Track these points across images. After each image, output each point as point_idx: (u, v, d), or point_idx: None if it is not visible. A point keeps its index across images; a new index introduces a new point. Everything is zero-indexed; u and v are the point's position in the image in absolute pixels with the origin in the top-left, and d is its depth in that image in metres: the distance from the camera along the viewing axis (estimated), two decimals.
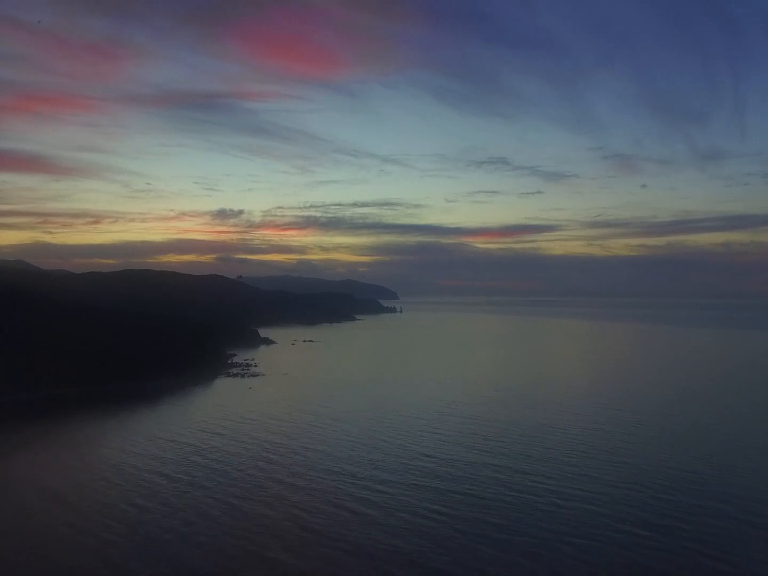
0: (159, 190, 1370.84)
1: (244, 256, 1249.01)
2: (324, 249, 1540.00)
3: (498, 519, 65.85)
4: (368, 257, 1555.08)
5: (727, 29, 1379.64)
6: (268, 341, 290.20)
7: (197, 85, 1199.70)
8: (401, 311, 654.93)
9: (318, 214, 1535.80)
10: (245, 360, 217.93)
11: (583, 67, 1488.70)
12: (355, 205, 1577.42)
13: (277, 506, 70.09)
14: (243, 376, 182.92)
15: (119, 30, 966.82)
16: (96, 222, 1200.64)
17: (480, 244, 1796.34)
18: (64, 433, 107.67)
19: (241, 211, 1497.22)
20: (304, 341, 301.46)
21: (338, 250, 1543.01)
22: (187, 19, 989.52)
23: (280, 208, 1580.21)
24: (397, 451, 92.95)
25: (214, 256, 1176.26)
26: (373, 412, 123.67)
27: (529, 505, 69.93)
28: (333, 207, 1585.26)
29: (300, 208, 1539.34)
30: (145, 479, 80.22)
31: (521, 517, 66.31)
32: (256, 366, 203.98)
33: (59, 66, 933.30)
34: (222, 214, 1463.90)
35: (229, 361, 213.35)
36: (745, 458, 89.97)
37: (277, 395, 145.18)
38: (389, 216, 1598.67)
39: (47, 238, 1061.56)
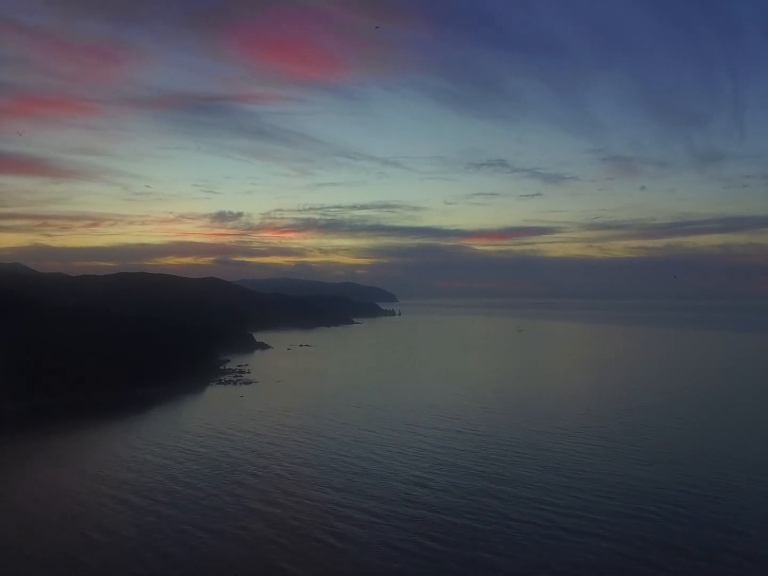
0: (158, 192, 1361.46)
1: (242, 259, 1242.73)
2: (323, 251, 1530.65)
3: (494, 557, 59.91)
4: (367, 259, 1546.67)
5: (726, 32, 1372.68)
6: (263, 346, 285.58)
7: (197, 88, 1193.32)
8: (400, 314, 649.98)
9: (317, 217, 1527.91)
10: (239, 366, 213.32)
11: (582, 69, 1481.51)
12: (354, 207, 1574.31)
13: (247, 540, 63.68)
14: (235, 383, 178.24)
15: (119, 32, 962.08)
16: (95, 225, 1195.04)
17: (479, 246, 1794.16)
18: (26, 452, 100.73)
19: (240, 214, 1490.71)
20: (300, 346, 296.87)
21: (337, 253, 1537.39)
22: (188, 22, 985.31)
23: (279, 210, 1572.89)
24: (388, 474, 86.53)
25: (212, 258, 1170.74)
26: (365, 425, 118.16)
27: (529, 539, 63.98)
28: (332, 209, 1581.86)
29: (299, 210, 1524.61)
30: (104, 506, 73.27)
31: (520, 554, 60.35)
32: (249, 372, 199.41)
33: (59, 68, 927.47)
34: (221, 217, 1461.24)
35: (222, 367, 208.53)
36: (755, 479, 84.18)
37: (267, 406, 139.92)
38: (388, 218, 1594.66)
39: (46, 241, 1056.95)
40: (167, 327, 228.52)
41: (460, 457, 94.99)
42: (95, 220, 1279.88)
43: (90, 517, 70.22)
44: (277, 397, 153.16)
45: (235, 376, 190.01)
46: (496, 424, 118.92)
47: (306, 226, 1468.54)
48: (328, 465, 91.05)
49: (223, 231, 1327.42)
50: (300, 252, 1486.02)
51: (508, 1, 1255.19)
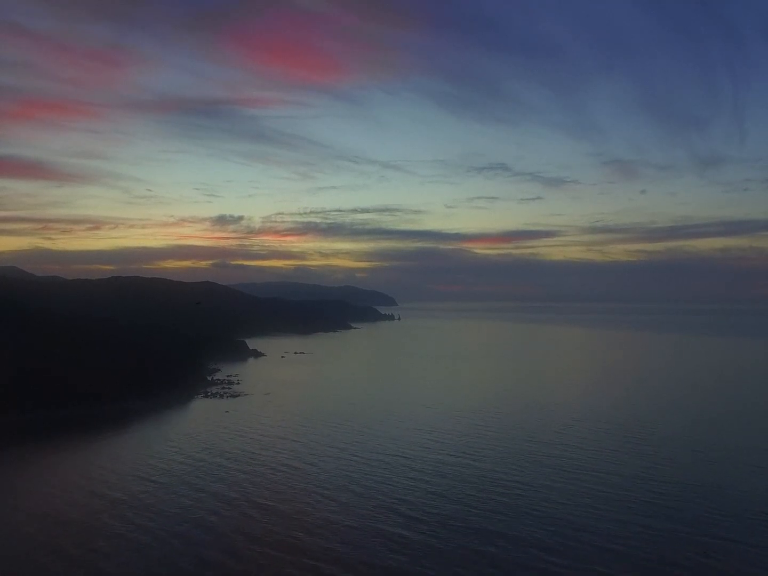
0: (159, 196, 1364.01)
1: (243, 262, 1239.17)
2: (323, 255, 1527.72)
3: None
4: (367, 263, 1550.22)
5: (727, 36, 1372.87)
6: (256, 353, 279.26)
7: (198, 92, 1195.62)
8: (399, 318, 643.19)
9: (318, 220, 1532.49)
10: (228, 376, 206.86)
11: (583, 73, 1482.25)
12: (355, 211, 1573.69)
13: None
14: (222, 396, 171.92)
15: (121, 37, 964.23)
16: (96, 228, 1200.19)
17: (479, 249, 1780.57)
18: None
19: (241, 217, 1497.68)
20: (295, 353, 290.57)
21: (338, 256, 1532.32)
22: (189, 26, 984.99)
23: (280, 214, 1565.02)
24: (370, 513, 77.88)
25: (212, 262, 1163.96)
26: (350, 448, 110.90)
27: None
28: (333, 213, 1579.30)
29: (300, 214, 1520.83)
30: (30, 559, 62.50)
31: None
32: (238, 383, 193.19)
33: (61, 72, 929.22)
34: (222, 220, 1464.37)
35: (211, 378, 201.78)
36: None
37: (251, 424, 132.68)
38: (389, 222, 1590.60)
39: (47, 244, 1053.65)
40: (156, 334, 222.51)
41: (455, 501, 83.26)
42: (96, 224, 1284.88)
43: (23, 567, 61.27)
44: (263, 413, 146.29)
45: (223, 388, 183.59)
46: (493, 448, 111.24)
47: (306, 229, 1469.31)
48: (306, 500, 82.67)
49: (223, 234, 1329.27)
50: (300, 255, 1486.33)
51: (509, 5, 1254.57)
